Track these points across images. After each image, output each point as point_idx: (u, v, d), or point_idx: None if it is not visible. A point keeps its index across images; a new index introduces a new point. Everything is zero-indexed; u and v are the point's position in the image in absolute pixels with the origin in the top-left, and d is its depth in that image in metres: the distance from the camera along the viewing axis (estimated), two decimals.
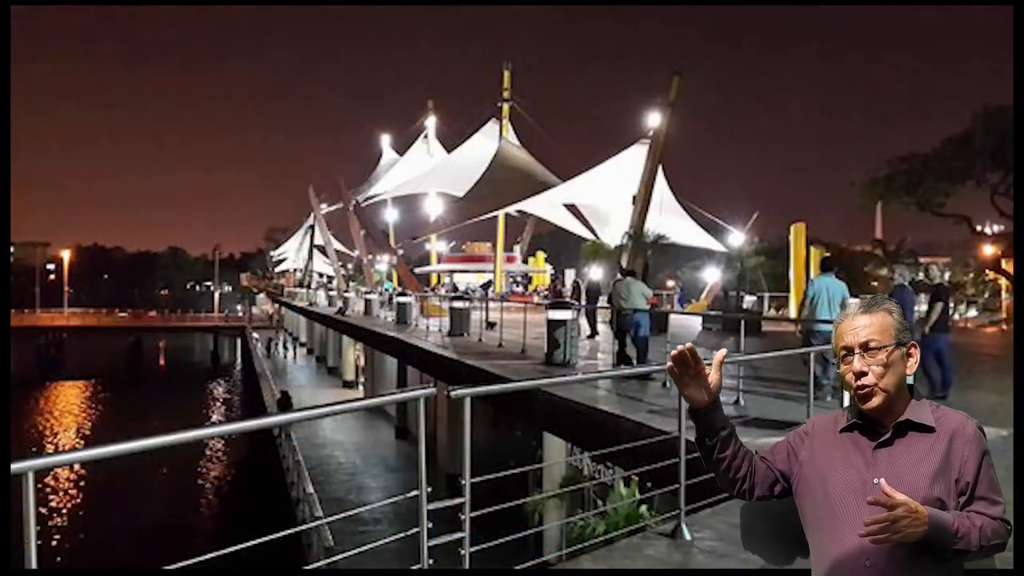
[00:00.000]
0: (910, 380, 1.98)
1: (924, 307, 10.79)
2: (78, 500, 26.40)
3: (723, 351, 2.05)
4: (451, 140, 44.45)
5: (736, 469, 2.04)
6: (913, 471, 1.84)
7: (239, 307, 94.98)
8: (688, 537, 4.46)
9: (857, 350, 1.92)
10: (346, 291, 35.24)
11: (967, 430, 1.89)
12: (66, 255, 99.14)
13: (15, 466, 2.16)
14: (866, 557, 1.80)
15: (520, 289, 43.70)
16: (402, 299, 23.85)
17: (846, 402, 2.07)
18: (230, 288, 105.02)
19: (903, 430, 1.91)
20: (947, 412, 1.95)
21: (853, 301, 2.05)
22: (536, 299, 31.49)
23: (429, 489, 3.35)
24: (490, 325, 17.87)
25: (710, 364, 2.01)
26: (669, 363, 1.99)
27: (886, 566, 1.79)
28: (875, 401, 1.90)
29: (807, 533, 1.99)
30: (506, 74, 39.30)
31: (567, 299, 21.85)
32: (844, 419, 2.00)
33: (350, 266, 53.43)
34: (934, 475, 1.83)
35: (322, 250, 56.93)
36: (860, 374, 1.90)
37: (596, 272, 29.28)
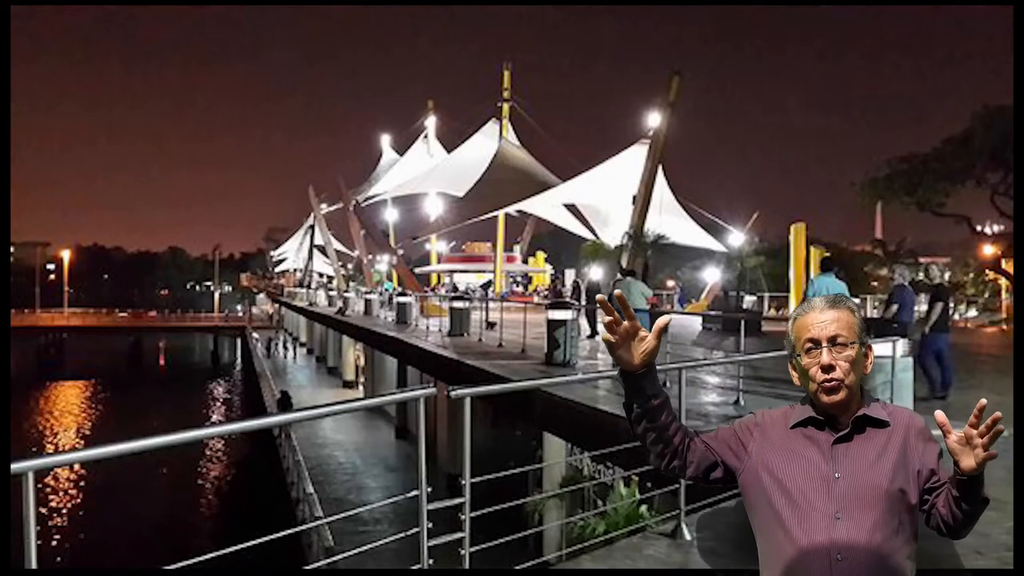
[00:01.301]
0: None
1: (924, 307, 10.79)
2: (78, 500, 26.40)
3: (667, 318, 1.97)
4: (451, 140, 44.56)
5: (665, 442, 1.99)
6: (874, 465, 1.85)
7: (239, 307, 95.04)
8: (688, 537, 4.46)
9: (825, 344, 1.91)
10: (346, 291, 35.24)
11: (918, 423, 1.94)
12: (66, 255, 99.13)
13: (15, 466, 2.16)
14: (837, 551, 1.79)
15: (520, 289, 43.70)
16: (402, 299, 23.84)
17: None
18: (230, 288, 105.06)
19: (861, 426, 1.91)
20: (896, 408, 1.99)
21: (816, 297, 2.03)
22: (536, 299, 31.49)
23: (429, 489, 3.35)
24: (490, 325, 17.87)
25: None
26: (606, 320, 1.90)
27: (858, 560, 1.79)
28: (840, 395, 1.89)
29: (758, 527, 1.96)
30: (506, 74, 39.38)
31: (567, 299, 21.84)
32: (794, 414, 1.98)
33: (350, 266, 53.44)
34: (894, 468, 1.85)
35: (322, 250, 56.96)
36: (828, 368, 1.90)
37: (596, 272, 29.27)
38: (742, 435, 2.02)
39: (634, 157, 27.37)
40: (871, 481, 1.83)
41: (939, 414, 1.79)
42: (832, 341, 1.91)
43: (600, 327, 1.88)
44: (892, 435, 1.89)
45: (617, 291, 1.91)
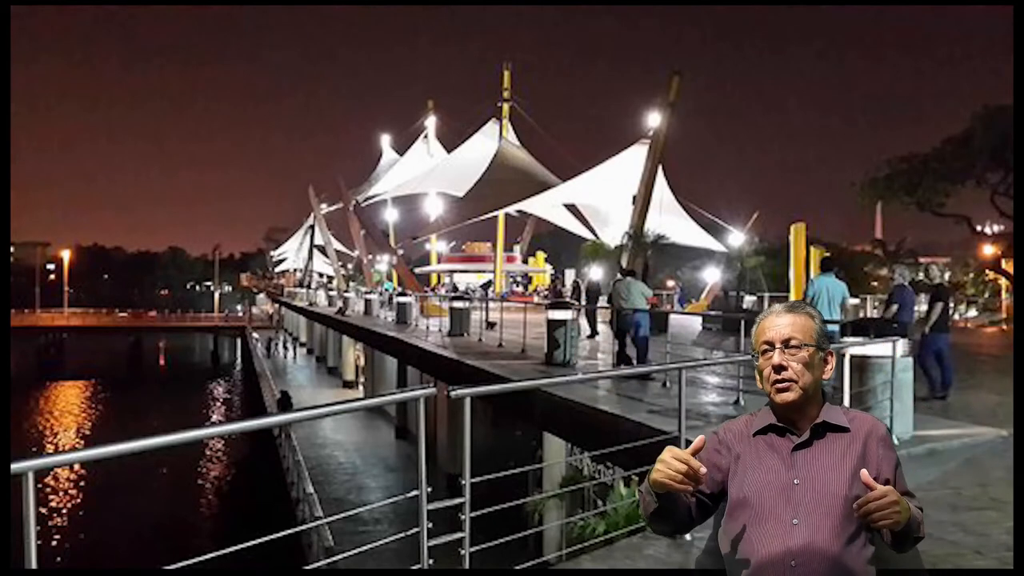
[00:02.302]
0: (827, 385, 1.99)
1: (924, 307, 10.78)
2: (78, 500, 26.41)
3: (701, 438, 1.91)
4: (451, 140, 44.57)
5: (684, 515, 1.99)
6: (833, 471, 1.86)
7: (239, 307, 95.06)
8: (688, 537, 4.46)
9: (778, 345, 1.95)
10: (346, 291, 35.24)
11: (879, 431, 1.95)
12: (66, 255, 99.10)
13: (15, 466, 2.16)
14: (792, 557, 1.81)
15: (520, 289, 43.70)
16: (402, 299, 23.85)
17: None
18: (230, 288, 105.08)
19: (820, 432, 1.93)
20: (858, 414, 2.00)
21: (777, 304, 2.08)
22: (536, 299, 31.48)
23: (429, 489, 3.34)
24: (490, 325, 17.87)
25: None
26: (673, 471, 1.82)
27: (813, 566, 1.80)
28: (790, 395, 1.92)
29: (723, 538, 1.97)
30: (506, 74, 39.37)
31: (567, 299, 21.85)
32: (756, 421, 2.01)
33: (350, 266, 53.46)
34: (852, 475, 1.84)
35: (322, 250, 56.97)
36: (780, 368, 1.93)
37: (596, 272, 29.28)
38: (714, 460, 1.99)
39: (634, 157, 27.37)
40: (830, 487, 1.84)
41: (863, 473, 1.76)
42: (786, 343, 1.94)
43: (658, 475, 1.85)
44: (852, 441, 1.91)
45: (691, 449, 1.85)
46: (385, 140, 52.96)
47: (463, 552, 3.60)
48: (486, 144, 38.90)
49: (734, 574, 1.92)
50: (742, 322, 11.87)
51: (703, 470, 1.83)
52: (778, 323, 1.98)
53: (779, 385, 1.93)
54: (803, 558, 1.80)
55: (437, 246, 48.68)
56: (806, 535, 1.81)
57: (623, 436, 6.97)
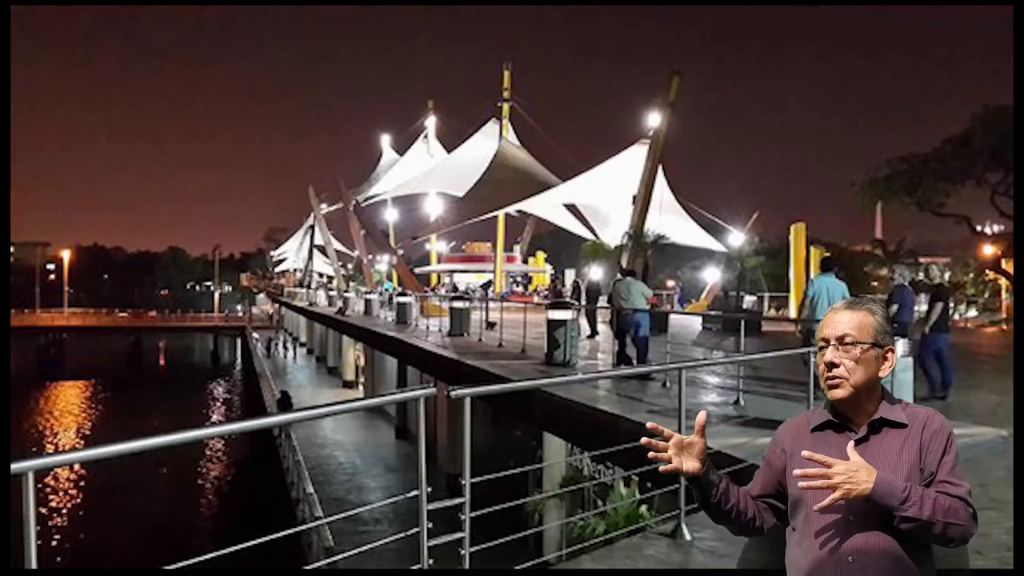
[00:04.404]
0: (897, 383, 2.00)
1: (924, 307, 10.79)
2: (78, 500, 26.40)
3: (703, 413, 2.05)
4: (451, 140, 44.56)
5: (744, 513, 2.05)
6: (889, 467, 1.86)
7: (239, 307, 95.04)
8: (688, 537, 4.46)
9: (833, 341, 1.97)
10: (346, 291, 35.23)
11: (934, 423, 1.95)
12: (66, 255, 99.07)
13: (15, 466, 2.16)
14: (848, 554, 1.83)
15: (520, 289, 43.69)
16: (402, 299, 23.85)
17: None
18: (230, 288, 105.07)
19: (878, 428, 1.94)
20: (917, 409, 2.01)
21: (842, 300, 2.10)
22: (536, 299, 31.48)
23: (429, 489, 3.35)
24: (490, 325, 17.87)
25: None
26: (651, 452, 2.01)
27: (869, 561, 1.82)
28: (841, 392, 1.94)
29: (789, 535, 2.00)
30: (506, 74, 39.37)
31: (567, 299, 21.84)
32: (815, 417, 2.03)
33: (350, 266, 53.45)
34: (909, 470, 1.86)
35: (322, 250, 56.97)
36: (831, 364, 1.95)
37: (596, 272, 29.27)
38: (774, 463, 2.06)
39: (634, 157, 27.37)
40: None
41: (809, 456, 1.84)
42: (840, 340, 1.96)
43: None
44: (910, 436, 1.91)
45: (650, 423, 2.04)
46: (385, 140, 52.97)
47: (463, 552, 3.60)
48: (486, 144, 38.90)
49: (794, 563, 1.94)
50: (742, 322, 11.88)
51: (667, 432, 2.00)
52: (836, 319, 1.99)
53: (830, 382, 1.96)
54: (860, 554, 1.82)
55: (437, 246, 48.68)
56: (862, 532, 1.83)
57: (623, 436, 6.96)
